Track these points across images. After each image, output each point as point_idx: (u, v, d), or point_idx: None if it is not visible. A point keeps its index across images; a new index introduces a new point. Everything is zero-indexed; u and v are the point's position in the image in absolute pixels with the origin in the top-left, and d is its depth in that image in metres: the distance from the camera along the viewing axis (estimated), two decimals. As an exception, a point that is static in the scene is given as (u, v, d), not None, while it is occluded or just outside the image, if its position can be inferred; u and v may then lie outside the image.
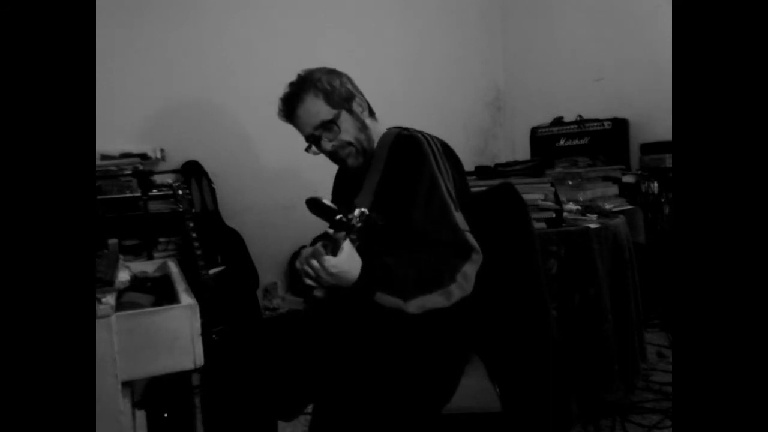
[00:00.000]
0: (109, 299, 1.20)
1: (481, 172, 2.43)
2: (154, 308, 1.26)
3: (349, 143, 1.32)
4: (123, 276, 1.46)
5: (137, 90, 2.66)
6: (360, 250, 1.13)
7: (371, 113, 1.40)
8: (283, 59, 2.66)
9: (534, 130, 3.38)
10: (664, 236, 2.68)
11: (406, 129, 1.35)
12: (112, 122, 2.50)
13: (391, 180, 1.27)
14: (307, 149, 1.36)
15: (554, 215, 1.92)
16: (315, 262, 1.09)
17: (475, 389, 1.23)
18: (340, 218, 1.05)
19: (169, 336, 1.19)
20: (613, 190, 2.41)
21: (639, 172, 2.83)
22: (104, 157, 2.49)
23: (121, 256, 1.71)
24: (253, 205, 2.94)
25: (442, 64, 3.59)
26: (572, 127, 3.20)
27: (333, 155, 1.35)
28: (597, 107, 3.19)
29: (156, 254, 2.51)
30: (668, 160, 2.76)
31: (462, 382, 1.21)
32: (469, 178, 1.43)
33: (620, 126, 3.05)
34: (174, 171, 2.69)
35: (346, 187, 1.41)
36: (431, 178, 1.21)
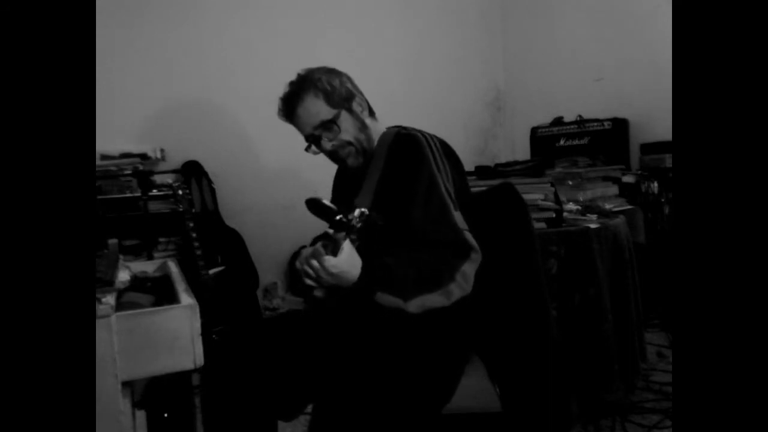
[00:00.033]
0: (109, 299, 1.20)
1: (481, 172, 2.43)
2: (154, 308, 1.25)
3: (349, 143, 1.32)
4: (123, 276, 1.45)
5: (137, 90, 2.66)
6: (360, 250, 1.13)
7: (371, 113, 1.40)
8: (283, 59, 2.65)
9: (534, 130, 3.38)
10: (664, 236, 2.68)
11: (405, 128, 1.35)
12: (112, 122, 2.50)
13: (391, 179, 1.27)
14: (307, 149, 1.36)
15: (554, 215, 1.92)
16: (315, 262, 1.09)
17: (475, 389, 1.23)
18: (340, 218, 1.05)
19: (169, 336, 1.19)
20: (613, 190, 2.41)
21: (639, 172, 2.83)
22: (104, 157, 2.49)
23: (121, 256, 1.71)
24: (253, 205, 2.94)
25: (442, 64, 3.59)
26: (572, 127, 3.20)
27: (333, 155, 1.35)
28: (597, 107, 3.18)
29: (156, 254, 2.51)
30: (668, 160, 2.76)
31: (462, 382, 1.21)
32: (469, 178, 1.43)
33: (620, 126, 3.05)
34: (174, 171, 2.69)
35: (346, 186, 1.41)
36: (430, 177, 1.21)
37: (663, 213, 2.71)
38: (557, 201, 1.94)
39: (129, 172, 2.49)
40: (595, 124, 3.11)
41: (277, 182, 3.01)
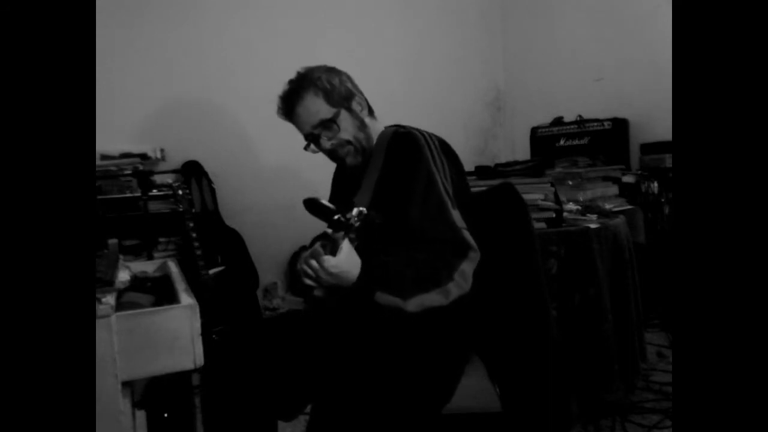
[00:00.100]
0: (109, 299, 1.20)
1: (481, 172, 2.43)
2: (154, 308, 1.25)
3: (348, 142, 1.32)
4: (123, 276, 1.45)
5: (137, 90, 2.67)
6: (359, 250, 1.13)
7: (370, 112, 1.40)
8: (283, 59, 2.63)
9: (534, 130, 3.38)
10: (664, 236, 2.68)
11: (404, 127, 1.35)
12: (112, 122, 2.51)
13: (389, 178, 1.27)
14: (306, 147, 1.36)
15: (554, 215, 1.92)
16: (314, 262, 1.09)
17: (475, 389, 1.23)
18: (338, 218, 1.05)
19: (169, 336, 1.19)
20: (613, 190, 2.41)
21: (639, 172, 2.83)
22: (104, 157, 2.50)
23: (121, 256, 1.71)
24: (253, 205, 2.94)
25: (442, 64, 3.59)
26: (572, 127, 3.20)
27: (332, 154, 1.35)
28: (597, 107, 3.19)
29: (156, 254, 2.51)
30: (668, 160, 2.76)
31: (462, 382, 1.21)
32: (469, 178, 1.43)
33: (620, 126, 3.05)
34: (174, 171, 2.69)
35: (344, 185, 1.41)
36: (428, 175, 1.21)
37: (663, 213, 2.71)
38: (557, 201, 1.94)
39: (129, 172, 2.49)
40: (595, 124, 3.11)
41: (277, 182, 3.01)
